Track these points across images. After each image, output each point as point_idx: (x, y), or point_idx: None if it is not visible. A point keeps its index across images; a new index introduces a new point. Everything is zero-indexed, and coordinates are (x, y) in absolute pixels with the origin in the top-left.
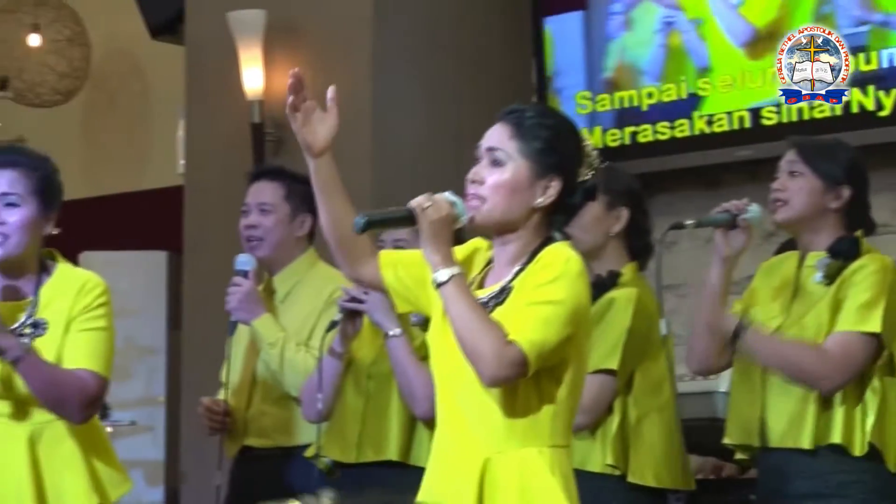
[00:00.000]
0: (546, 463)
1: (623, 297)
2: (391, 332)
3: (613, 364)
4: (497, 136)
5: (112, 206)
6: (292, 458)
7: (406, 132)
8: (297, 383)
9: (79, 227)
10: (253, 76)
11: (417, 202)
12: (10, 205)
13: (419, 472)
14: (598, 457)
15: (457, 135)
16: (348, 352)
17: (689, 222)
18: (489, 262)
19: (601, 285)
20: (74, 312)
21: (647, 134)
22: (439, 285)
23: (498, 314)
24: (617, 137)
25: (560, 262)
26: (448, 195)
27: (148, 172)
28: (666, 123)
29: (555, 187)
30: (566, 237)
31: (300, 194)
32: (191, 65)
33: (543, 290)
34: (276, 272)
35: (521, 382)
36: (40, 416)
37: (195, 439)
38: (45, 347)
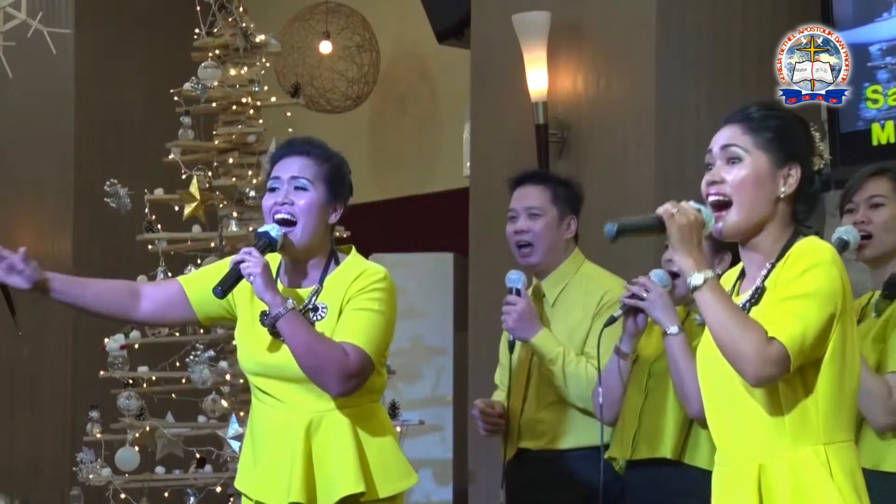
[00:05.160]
0: (822, 463)
1: None
2: (669, 331)
3: None
4: (729, 135)
5: (400, 209)
6: (567, 459)
7: (689, 132)
8: (581, 395)
9: (368, 230)
10: (537, 78)
11: (664, 209)
12: (299, 188)
13: (697, 474)
14: (893, 457)
15: None
16: (635, 350)
17: None
18: (741, 276)
19: None
20: (349, 294)
21: None
22: (694, 289)
23: (753, 314)
24: None
25: (809, 253)
26: (693, 203)
27: (435, 175)
28: None
29: (795, 175)
30: (810, 232)
31: (565, 197)
32: (476, 68)
33: (796, 284)
34: (544, 276)
35: (785, 380)
36: (320, 404)
37: (483, 439)
38: (322, 330)
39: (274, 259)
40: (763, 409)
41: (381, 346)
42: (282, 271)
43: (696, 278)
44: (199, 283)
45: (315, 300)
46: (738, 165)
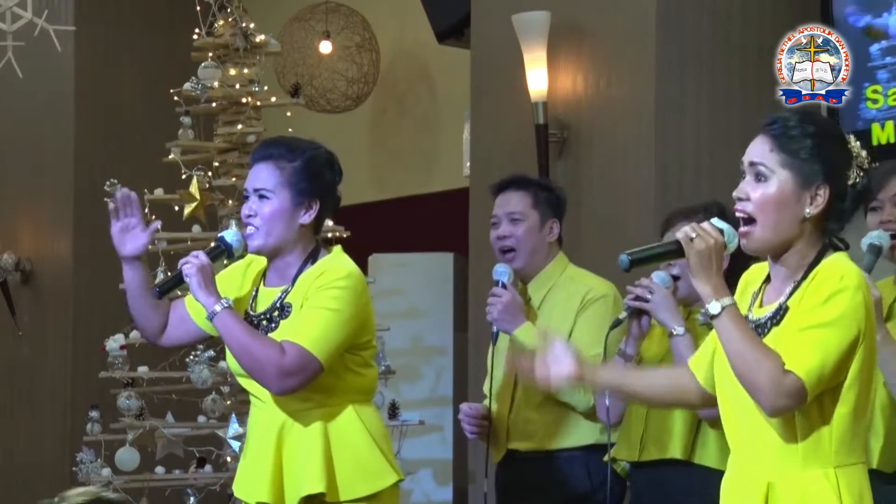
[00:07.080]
0: (832, 486)
1: None
2: (675, 331)
3: None
4: (758, 150)
5: (400, 209)
6: (557, 460)
7: (689, 132)
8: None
9: (368, 230)
10: (537, 78)
11: (684, 233)
12: (262, 197)
13: (705, 473)
14: None
15: (742, 136)
16: (638, 353)
17: None
18: (767, 279)
19: None
20: (309, 293)
21: None
22: (712, 318)
23: (774, 335)
24: None
25: (834, 279)
26: (716, 221)
27: (435, 175)
28: None
29: (823, 195)
30: (841, 246)
31: (546, 201)
32: (476, 68)
33: (818, 313)
34: (529, 280)
35: (801, 408)
36: (296, 404)
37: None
38: (285, 328)
39: (263, 259)
40: (776, 432)
41: (333, 345)
42: (267, 271)
43: (714, 307)
44: None
45: (284, 299)
46: (763, 184)
